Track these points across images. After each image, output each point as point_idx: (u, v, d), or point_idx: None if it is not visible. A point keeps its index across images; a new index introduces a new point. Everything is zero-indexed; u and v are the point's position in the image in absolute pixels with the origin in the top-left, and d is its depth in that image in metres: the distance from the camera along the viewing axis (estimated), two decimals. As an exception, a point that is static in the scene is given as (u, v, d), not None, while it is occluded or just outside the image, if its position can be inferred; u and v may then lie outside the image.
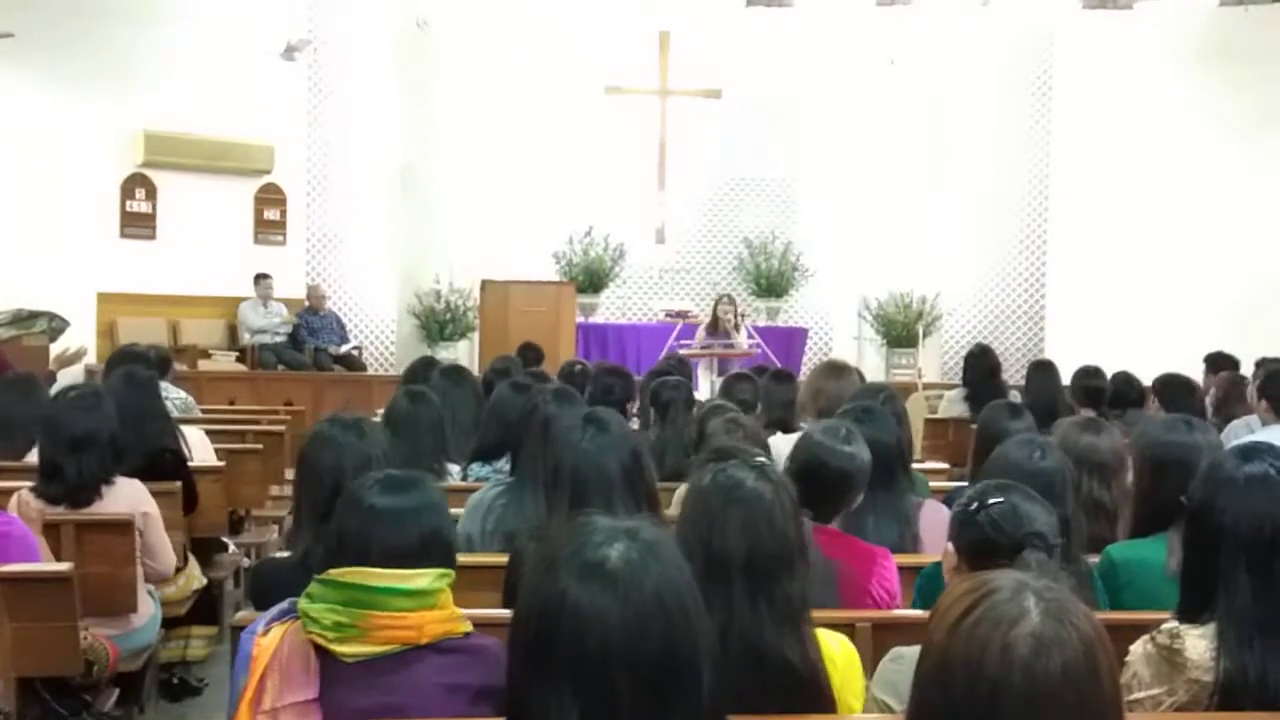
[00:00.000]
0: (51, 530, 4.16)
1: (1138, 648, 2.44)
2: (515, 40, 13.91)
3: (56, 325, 11.00)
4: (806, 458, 3.29)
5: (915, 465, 4.96)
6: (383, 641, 2.18)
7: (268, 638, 2.23)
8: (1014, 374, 10.90)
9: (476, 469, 4.89)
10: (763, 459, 2.46)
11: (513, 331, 10.89)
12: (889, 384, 5.94)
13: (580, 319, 13.38)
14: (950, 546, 2.57)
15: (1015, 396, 7.34)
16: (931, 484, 4.75)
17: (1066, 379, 7.13)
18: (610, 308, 14.62)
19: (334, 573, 2.20)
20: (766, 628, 2.24)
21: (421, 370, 6.62)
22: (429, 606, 2.21)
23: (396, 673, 2.19)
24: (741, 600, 2.25)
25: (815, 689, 2.28)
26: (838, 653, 2.39)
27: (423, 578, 2.21)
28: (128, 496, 4.35)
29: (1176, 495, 3.04)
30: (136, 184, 12.36)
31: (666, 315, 13.41)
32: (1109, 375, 6.84)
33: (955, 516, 2.60)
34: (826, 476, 3.26)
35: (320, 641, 2.18)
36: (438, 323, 13.85)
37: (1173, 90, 13.31)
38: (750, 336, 11.78)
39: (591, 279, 14.25)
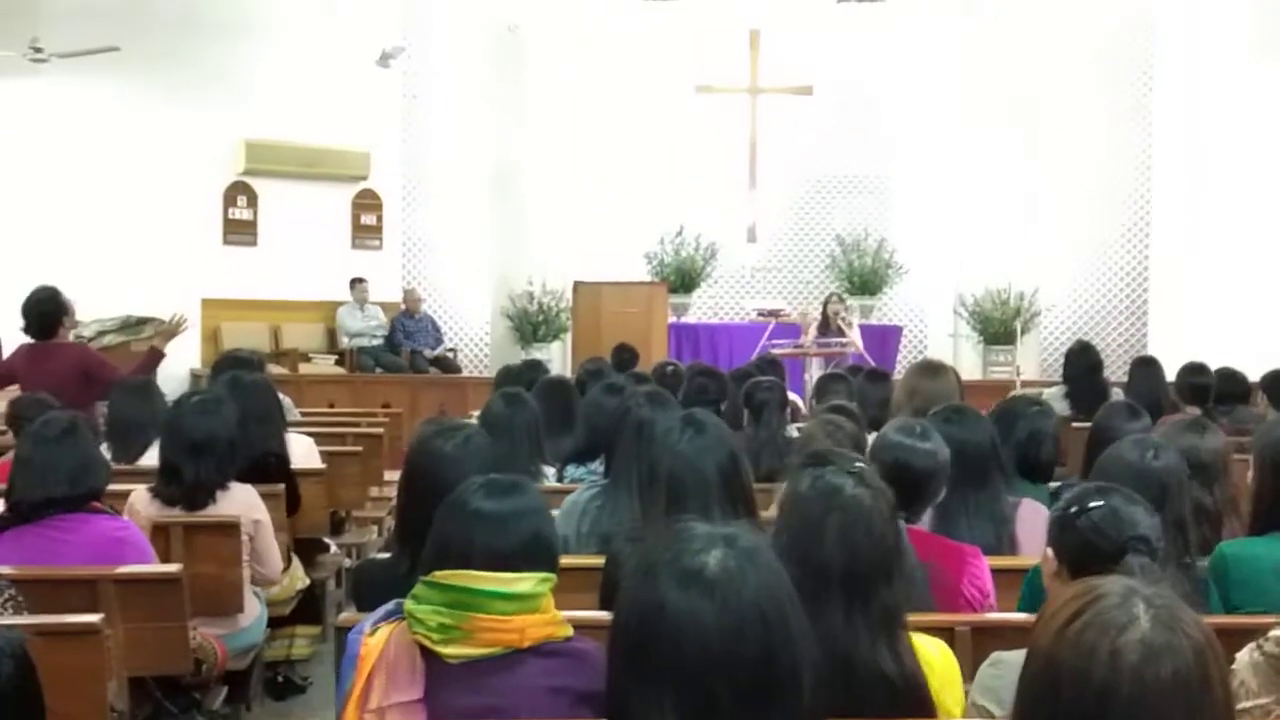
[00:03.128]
0: (160, 532, 4.27)
1: (1244, 656, 2.38)
2: (605, 42, 13.98)
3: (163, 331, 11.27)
4: (889, 459, 3.25)
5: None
6: (486, 644, 2.20)
7: (374, 638, 2.26)
8: (1116, 371, 10.65)
9: (572, 470, 4.93)
10: (861, 463, 2.43)
11: (605, 332, 10.93)
12: (981, 387, 5.84)
13: (672, 319, 13.40)
14: (1050, 552, 2.52)
15: (1117, 394, 7.20)
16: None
17: (1171, 375, 6.98)
18: (702, 307, 14.61)
19: (438, 575, 2.22)
20: (860, 636, 2.22)
21: (526, 374, 6.68)
22: (531, 610, 2.23)
23: (499, 675, 2.21)
24: (836, 608, 2.22)
25: (913, 698, 2.25)
26: (935, 658, 2.36)
27: (525, 581, 2.23)
28: (241, 502, 4.45)
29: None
30: (238, 191, 12.67)
31: (759, 314, 13.36)
32: (1214, 371, 6.68)
33: (1054, 521, 2.55)
34: (910, 476, 3.22)
35: (425, 642, 2.21)
36: (531, 325, 13.97)
37: (1277, 77, 12.91)
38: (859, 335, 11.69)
39: (683, 279, 14.25)
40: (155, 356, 6.95)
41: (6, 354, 7.18)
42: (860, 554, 2.26)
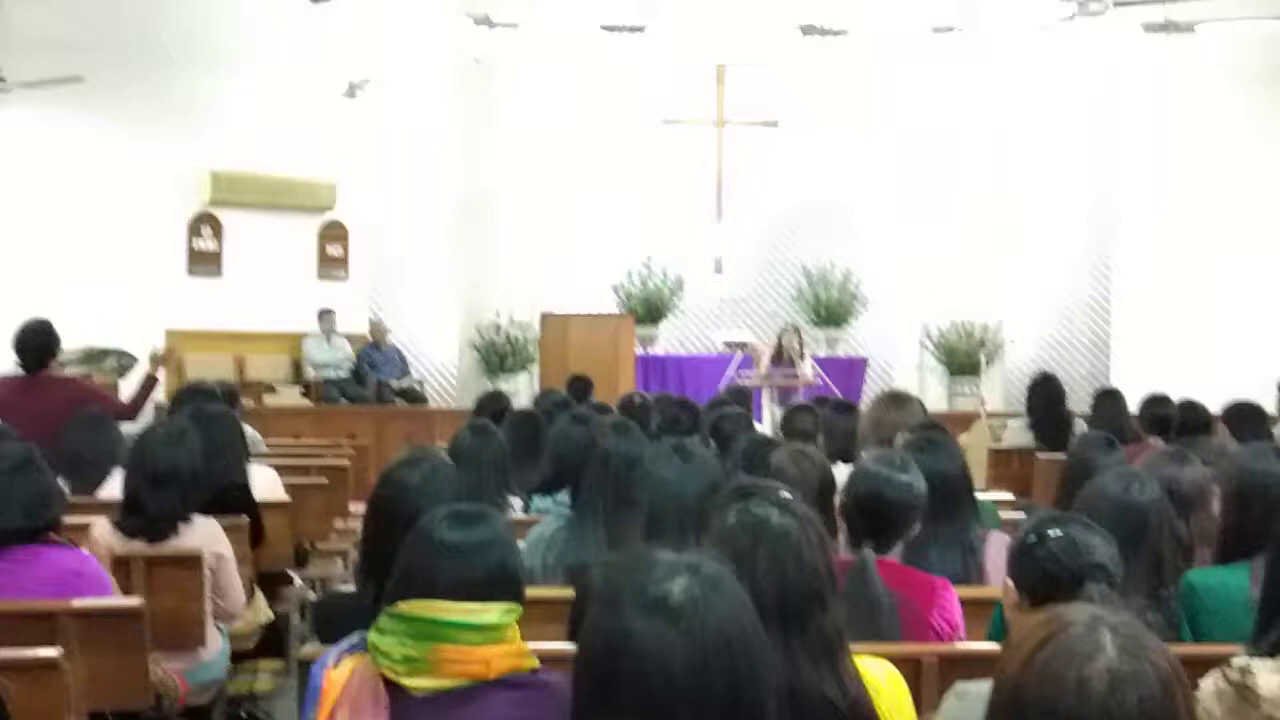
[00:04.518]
0: (121, 564, 4.22)
1: (1208, 683, 2.39)
2: (573, 74, 14.03)
3: (125, 363, 11.17)
4: (864, 489, 3.26)
5: (982, 496, 4.91)
6: (451, 675, 2.18)
7: (338, 670, 2.24)
8: (1080, 402, 10.73)
9: (538, 501, 4.91)
10: (785, 493, 2.43)
11: (572, 364, 10.92)
12: (939, 419, 5.89)
13: (639, 350, 13.41)
14: (1010, 583, 2.53)
15: (1080, 425, 7.25)
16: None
17: (1133, 407, 7.03)
18: (669, 339, 14.63)
19: (403, 606, 2.21)
20: (802, 666, 2.21)
21: (489, 405, 6.66)
22: (497, 641, 2.22)
23: (464, 707, 2.19)
24: (775, 639, 2.21)
25: None
26: (882, 681, 2.34)
27: (491, 612, 2.21)
28: (204, 534, 4.40)
29: (1261, 524, 3.00)
30: (203, 222, 12.60)
31: (726, 346, 13.39)
32: (1176, 403, 6.74)
33: (1013, 551, 2.57)
34: (885, 507, 3.23)
35: (390, 674, 2.19)
36: (498, 355, 13.95)
37: (1238, 115, 13.11)
38: (814, 367, 11.72)
39: (650, 310, 14.28)
40: (150, 383, 6.93)
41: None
42: (792, 584, 2.25)
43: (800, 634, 2.23)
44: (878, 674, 2.35)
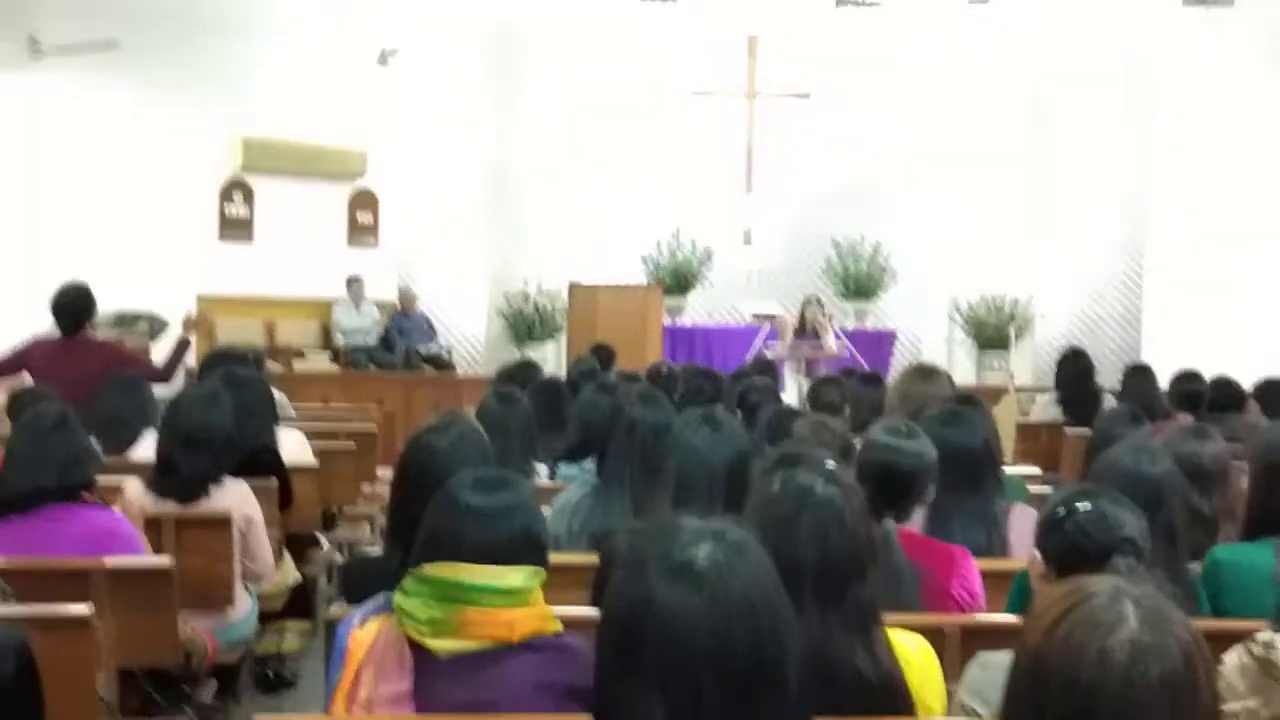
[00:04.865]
0: (153, 525, 4.27)
1: (1231, 657, 2.39)
2: (604, 45, 13.97)
3: (156, 327, 11.27)
4: (875, 460, 3.26)
5: (1009, 470, 4.90)
6: (476, 637, 2.20)
7: (364, 631, 2.26)
8: (1110, 378, 10.66)
9: (564, 469, 4.93)
10: (831, 462, 2.44)
11: (600, 334, 10.93)
12: (975, 391, 5.87)
13: (667, 321, 13.40)
14: (1037, 554, 2.53)
15: (1109, 400, 7.21)
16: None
17: (1163, 383, 6.99)
18: (697, 310, 14.61)
19: (428, 568, 2.22)
20: (836, 635, 2.22)
21: (519, 373, 6.69)
22: (521, 604, 2.23)
23: (488, 669, 2.21)
24: (811, 608, 2.22)
25: (889, 694, 2.25)
26: (914, 654, 2.36)
27: (515, 575, 2.23)
28: (235, 497, 4.45)
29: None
30: (235, 188, 12.66)
31: (754, 318, 13.37)
32: (1209, 380, 6.69)
33: (1042, 523, 2.57)
34: (896, 476, 3.23)
35: (414, 636, 2.21)
36: (526, 324, 13.97)
37: (1274, 91, 12.94)
38: (838, 338, 11.69)
39: (679, 281, 14.26)
40: (183, 347, 7.00)
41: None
42: (833, 552, 2.26)
43: (837, 604, 2.24)
44: (910, 647, 2.36)
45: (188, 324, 7.29)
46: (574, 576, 3.24)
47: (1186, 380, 6.69)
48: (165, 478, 4.37)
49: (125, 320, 11.28)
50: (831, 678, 2.19)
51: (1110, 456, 3.16)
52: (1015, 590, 3.13)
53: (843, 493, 2.34)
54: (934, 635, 2.58)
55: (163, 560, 3.86)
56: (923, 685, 2.32)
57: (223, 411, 4.51)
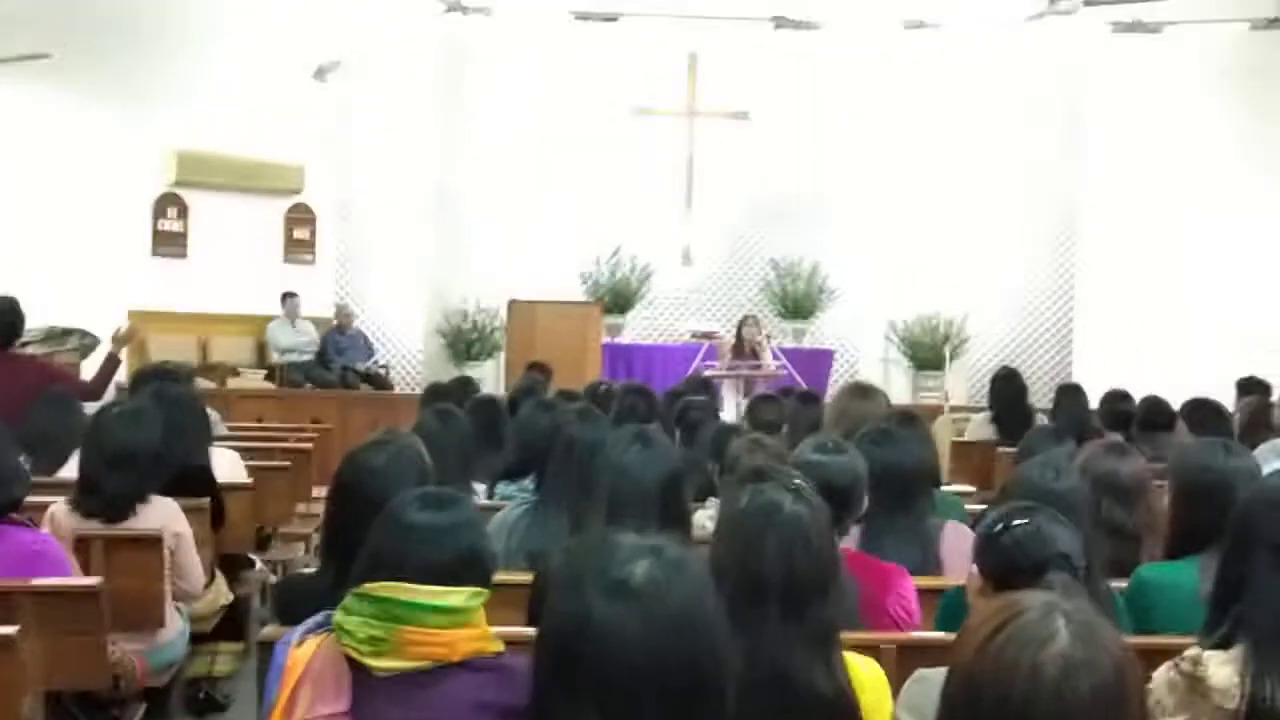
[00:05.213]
0: (82, 545, 4.19)
1: (1161, 674, 2.43)
2: (544, 62, 13.99)
3: (88, 343, 11.07)
4: (809, 478, 3.27)
5: (945, 488, 4.95)
6: (415, 657, 2.18)
7: (302, 649, 2.24)
8: (1042, 397, 10.82)
9: (503, 488, 4.91)
10: (799, 480, 2.45)
11: (539, 351, 10.89)
12: (913, 408, 5.96)
13: (607, 339, 13.40)
14: (975, 569, 2.56)
15: (1042, 420, 7.32)
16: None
17: (1095, 402, 7.10)
18: (637, 328, 14.63)
19: (369, 586, 2.20)
20: (796, 652, 2.23)
21: (456, 391, 6.65)
22: (462, 624, 2.22)
23: (428, 689, 2.19)
24: (774, 624, 2.23)
25: (845, 714, 2.27)
26: (866, 676, 2.37)
27: (457, 595, 2.21)
28: (162, 514, 4.38)
29: (1211, 520, 3.04)
30: (169, 203, 12.50)
31: (693, 336, 13.41)
32: (1137, 399, 6.81)
33: (979, 538, 2.60)
34: (834, 492, 3.24)
35: (354, 654, 2.19)
36: (465, 342, 13.91)
37: (1202, 114, 13.23)
38: (776, 358, 11.76)
39: (618, 299, 14.27)
40: (113, 363, 6.88)
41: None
42: (798, 570, 2.27)
43: (799, 621, 2.25)
44: (864, 669, 2.38)
45: (118, 340, 7.13)
46: (510, 595, 3.22)
47: (1116, 400, 6.80)
48: (89, 497, 4.30)
49: (56, 336, 11.08)
50: (790, 695, 2.19)
51: (1019, 473, 3.23)
52: (943, 607, 3.16)
53: (810, 510, 2.35)
54: (870, 653, 2.60)
55: (91, 581, 3.79)
56: (874, 708, 2.34)
57: (147, 429, 4.43)
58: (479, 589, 2.26)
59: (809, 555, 2.29)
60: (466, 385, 7.03)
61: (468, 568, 2.26)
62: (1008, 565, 2.46)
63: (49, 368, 6.85)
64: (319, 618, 2.29)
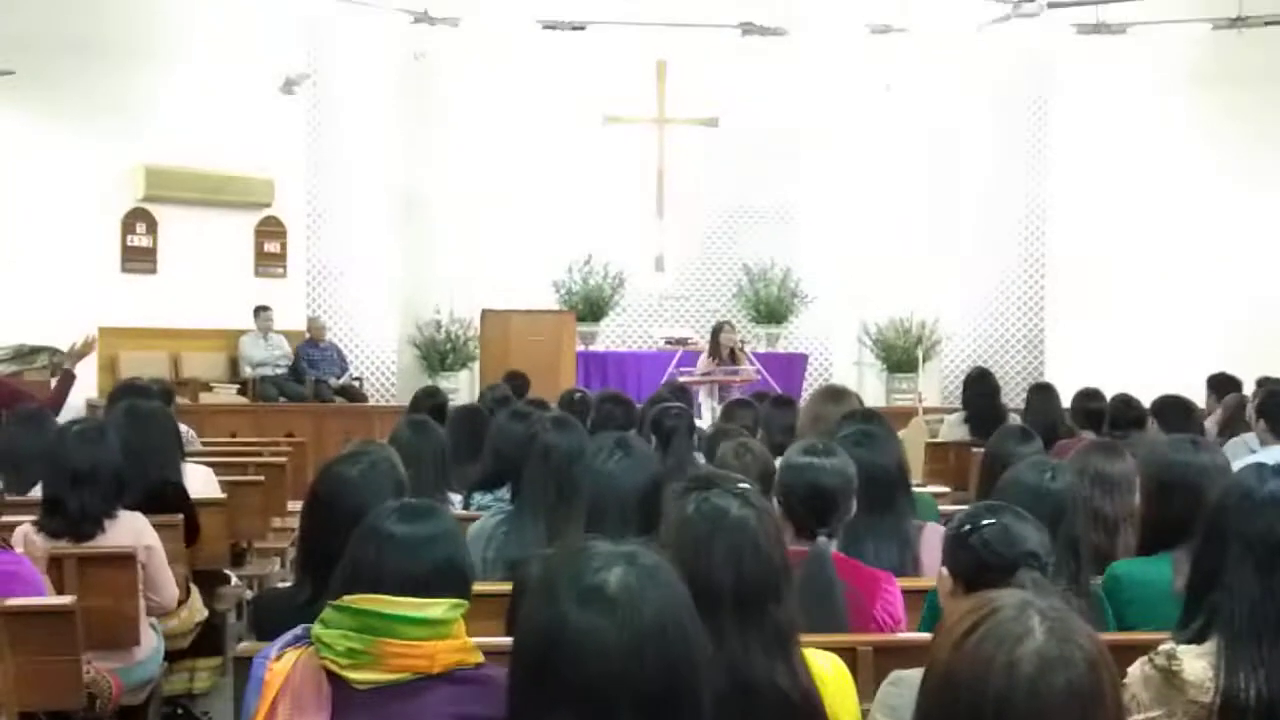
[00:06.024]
0: (54, 564, 4.16)
1: (1135, 669, 2.44)
2: (513, 72, 13.98)
3: (57, 360, 10.99)
4: (800, 481, 3.28)
5: (919, 489, 4.97)
6: (395, 669, 2.17)
7: (280, 663, 2.22)
8: (1014, 397, 10.89)
9: (478, 498, 4.90)
10: (745, 485, 2.45)
11: (513, 361, 10.89)
12: (878, 410, 5.98)
13: (580, 347, 13.40)
14: (944, 570, 2.57)
15: (1015, 419, 7.35)
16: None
17: (1066, 401, 7.14)
18: (610, 336, 14.64)
19: (348, 599, 2.19)
20: (755, 656, 2.23)
21: (424, 401, 6.63)
22: (442, 636, 2.21)
23: (407, 701, 2.18)
24: (730, 630, 2.23)
25: (810, 714, 2.27)
26: (828, 672, 2.38)
27: (437, 607, 2.20)
28: (130, 530, 4.35)
29: (1183, 515, 3.07)
30: (137, 218, 12.41)
31: (666, 342, 13.41)
32: (1108, 397, 6.85)
33: (948, 540, 2.61)
34: (825, 494, 3.26)
35: (333, 667, 2.17)
36: (438, 353, 13.88)
37: (1169, 113, 13.37)
38: (751, 362, 11.78)
39: (591, 307, 14.28)
40: (68, 380, 6.81)
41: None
42: (748, 574, 2.28)
43: (756, 625, 2.25)
44: (824, 665, 2.38)
45: (72, 354, 7.04)
46: (488, 605, 3.21)
47: (1088, 398, 6.84)
48: (53, 518, 4.26)
49: (24, 354, 11.00)
50: (754, 699, 2.20)
51: (1013, 474, 3.23)
52: (927, 608, 3.17)
53: (757, 515, 2.35)
54: (847, 654, 2.61)
55: (65, 600, 3.76)
56: (837, 703, 2.34)
57: (109, 446, 4.40)
58: (459, 600, 2.25)
59: (758, 559, 2.30)
60: (433, 395, 7.00)
61: (447, 579, 2.25)
62: (977, 566, 2.47)
63: (11, 386, 6.77)
64: (297, 631, 2.28)
